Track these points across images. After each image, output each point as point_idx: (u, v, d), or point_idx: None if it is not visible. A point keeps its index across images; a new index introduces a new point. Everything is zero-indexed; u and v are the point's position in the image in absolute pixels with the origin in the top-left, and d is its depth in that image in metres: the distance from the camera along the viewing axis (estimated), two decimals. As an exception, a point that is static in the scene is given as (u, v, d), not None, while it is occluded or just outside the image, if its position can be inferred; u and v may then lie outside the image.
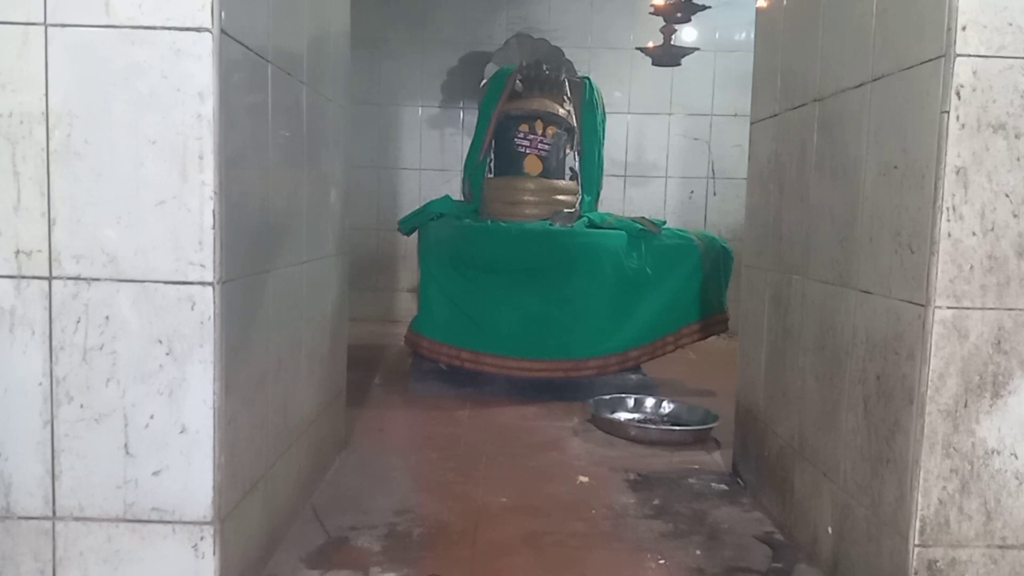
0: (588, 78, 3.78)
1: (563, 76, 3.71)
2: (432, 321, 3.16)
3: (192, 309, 1.28)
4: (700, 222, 4.93)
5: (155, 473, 1.31)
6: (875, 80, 1.46)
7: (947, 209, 1.25)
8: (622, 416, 2.88)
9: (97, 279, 1.28)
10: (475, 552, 1.73)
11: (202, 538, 1.32)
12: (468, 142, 3.87)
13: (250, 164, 1.44)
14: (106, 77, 1.24)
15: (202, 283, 1.28)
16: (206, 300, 1.29)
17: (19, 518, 1.31)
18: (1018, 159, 1.25)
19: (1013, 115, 1.24)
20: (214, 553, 1.32)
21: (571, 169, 3.71)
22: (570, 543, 1.81)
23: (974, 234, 1.25)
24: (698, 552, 1.77)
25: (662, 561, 1.72)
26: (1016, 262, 1.26)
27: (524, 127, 3.56)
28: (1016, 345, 1.28)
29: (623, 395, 3.05)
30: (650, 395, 3.08)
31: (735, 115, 4.78)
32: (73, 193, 1.26)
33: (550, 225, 3.31)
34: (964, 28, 1.22)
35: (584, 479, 2.25)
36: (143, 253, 1.27)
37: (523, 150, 3.57)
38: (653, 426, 2.78)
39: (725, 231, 4.57)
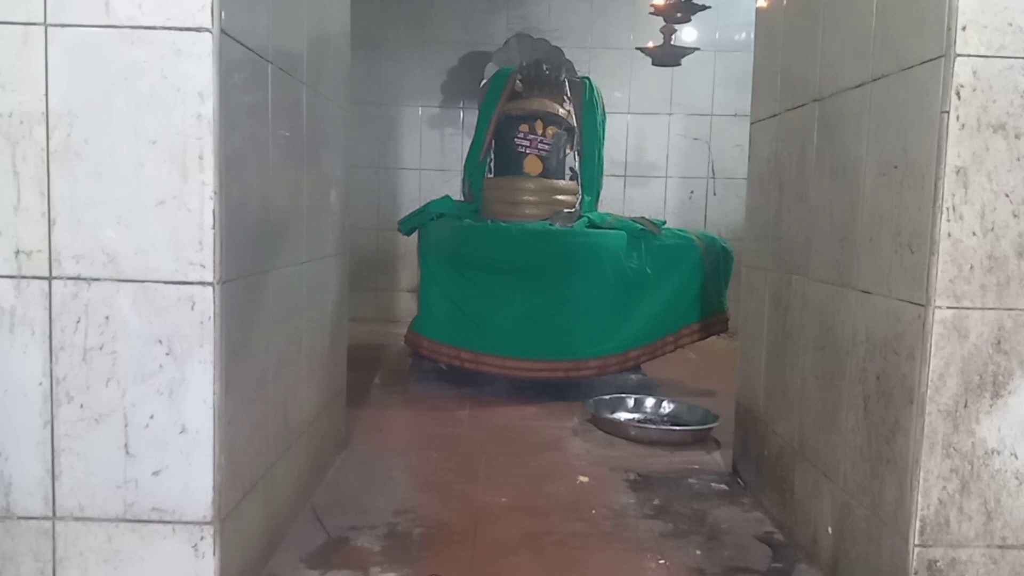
0: (588, 78, 3.78)
1: (563, 76, 3.71)
2: (432, 321, 3.16)
3: (192, 309, 1.28)
4: (700, 222, 4.93)
5: (155, 473, 1.31)
6: (875, 80, 1.46)
7: (947, 209, 1.25)
8: (622, 416, 2.88)
9: (97, 279, 1.28)
10: (475, 552, 1.73)
11: (202, 538, 1.32)
12: (468, 142, 3.87)
13: (250, 164, 1.44)
14: (106, 77, 1.25)
15: (202, 283, 1.28)
16: (206, 300, 1.29)
17: (19, 518, 1.31)
18: (1018, 159, 1.25)
19: (1013, 115, 1.24)
20: (214, 553, 1.32)
21: (571, 169, 3.71)
22: (570, 543, 1.81)
23: (974, 234, 1.25)
24: (698, 552, 1.77)
25: (662, 561, 1.72)
26: (1016, 262, 1.26)
27: (524, 127, 3.56)
28: (1016, 345, 1.28)
29: (623, 395, 3.05)
30: (650, 395, 3.08)
31: (735, 115, 4.78)
32: (73, 193, 1.26)
33: (550, 225, 3.30)
34: (964, 28, 1.22)
35: (584, 479, 2.25)
36: (143, 253, 1.27)
37: (523, 150, 3.57)
38: (653, 426, 2.78)
39: (725, 231, 4.56)
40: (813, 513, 1.70)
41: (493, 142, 3.63)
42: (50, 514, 1.31)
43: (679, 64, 4.26)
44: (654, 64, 4.27)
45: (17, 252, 1.27)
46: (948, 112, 1.23)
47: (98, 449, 1.30)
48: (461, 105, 4.98)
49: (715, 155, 4.98)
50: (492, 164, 3.68)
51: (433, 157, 5.03)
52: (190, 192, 1.26)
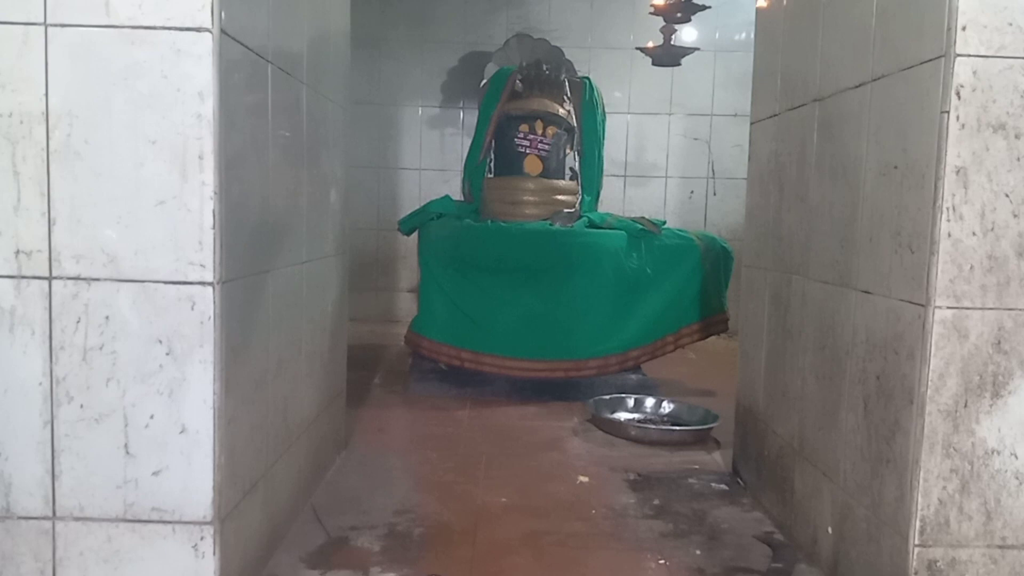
0: (588, 78, 3.78)
1: (563, 76, 3.71)
2: (432, 321, 3.16)
3: (192, 309, 1.28)
4: (700, 222, 4.93)
5: (155, 473, 1.31)
6: (875, 80, 1.46)
7: (947, 209, 1.25)
8: (622, 416, 2.88)
9: (97, 279, 1.28)
10: (475, 552, 1.73)
11: (202, 538, 1.32)
12: (468, 142, 3.87)
13: (250, 164, 1.44)
14: (106, 77, 1.25)
15: (202, 283, 1.28)
16: (206, 300, 1.29)
17: (19, 518, 1.31)
18: (1018, 159, 1.25)
19: (1013, 115, 1.24)
20: (214, 553, 1.32)
21: (571, 169, 3.71)
22: (570, 543, 1.81)
23: (974, 234, 1.25)
24: (698, 552, 1.77)
25: (662, 561, 1.72)
26: (1016, 262, 1.26)
27: (524, 127, 3.56)
28: (1016, 345, 1.28)
29: (623, 395, 3.05)
30: (650, 395, 3.08)
31: (735, 115, 4.78)
32: (73, 193, 1.26)
33: (550, 225, 3.30)
34: (964, 28, 1.22)
35: (584, 479, 2.25)
36: (143, 253, 1.27)
37: (523, 150, 3.57)
38: (653, 426, 2.78)
39: (725, 231, 4.57)
40: (813, 513, 1.70)
41: (493, 142, 3.63)
42: (50, 514, 1.31)
43: (679, 64, 4.26)
44: (654, 64, 4.26)
45: (17, 252, 1.27)
46: (948, 112, 1.23)
47: (98, 449, 1.30)
48: (461, 105, 4.98)
49: (715, 155, 4.98)
50: (492, 164, 3.68)
51: (433, 157, 5.03)
52: (190, 192, 1.26)
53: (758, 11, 2.16)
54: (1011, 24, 1.22)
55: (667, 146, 5.01)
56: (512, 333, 3.12)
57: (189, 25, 1.24)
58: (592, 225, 3.34)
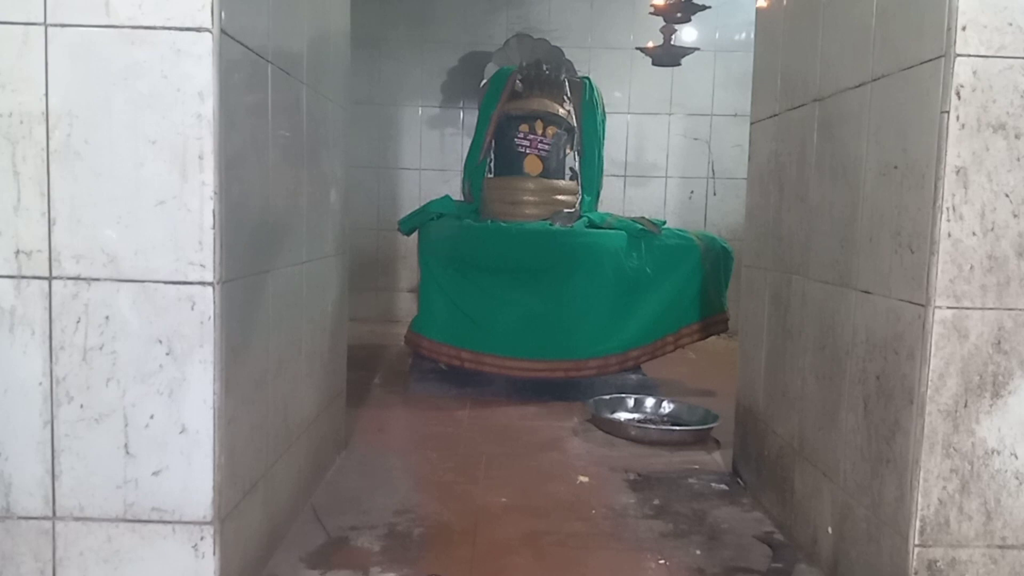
0: (588, 78, 3.78)
1: (563, 76, 3.71)
2: (432, 321, 3.16)
3: (192, 309, 1.28)
4: (700, 222, 4.93)
5: (155, 473, 1.31)
6: (875, 80, 1.46)
7: (947, 209, 1.25)
8: (622, 416, 2.88)
9: (97, 279, 1.28)
10: (475, 552, 1.73)
11: (202, 538, 1.32)
12: (468, 142, 3.87)
13: (250, 164, 1.44)
14: (106, 77, 1.25)
15: (202, 283, 1.28)
16: (206, 300, 1.29)
17: (19, 518, 1.31)
18: (1018, 159, 1.25)
19: (1013, 115, 1.24)
20: (214, 553, 1.32)
21: (571, 169, 3.71)
22: (570, 543, 1.81)
23: (974, 234, 1.25)
24: (698, 552, 1.77)
25: (662, 561, 1.72)
26: (1016, 262, 1.26)
27: (524, 127, 3.56)
28: (1016, 345, 1.28)
29: (623, 395, 3.05)
30: (650, 395, 3.08)
31: (735, 115, 4.78)
32: (73, 193, 1.26)
33: (550, 225, 3.31)
34: (964, 28, 1.22)
35: (584, 479, 2.25)
36: (143, 253, 1.27)
37: (523, 150, 3.57)
38: (653, 426, 2.78)
39: (725, 231, 4.57)
40: (813, 513, 1.70)
41: (493, 142, 3.63)
42: (50, 514, 1.31)
43: (679, 64, 4.26)
44: (654, 64, 4.26)
45: (17, 252, 1.27)
46: (948, 112, 1.23)
47: (98, 449, 1.30)
48: (461, 105, 4.98)
49: (715, 155, 4.98)
50: (492, 164, 3.68)
51: (433, 157, 5.03)
52: (190, 192, 1.26)
53: (758, 11, 2.16)
54: (1011, 24, 1.22)
55: (667, 146, 5.01)
56: (512, 333, 3.12)
57: (189, 25, 1.24)
58: (592, 225, 3.34)
